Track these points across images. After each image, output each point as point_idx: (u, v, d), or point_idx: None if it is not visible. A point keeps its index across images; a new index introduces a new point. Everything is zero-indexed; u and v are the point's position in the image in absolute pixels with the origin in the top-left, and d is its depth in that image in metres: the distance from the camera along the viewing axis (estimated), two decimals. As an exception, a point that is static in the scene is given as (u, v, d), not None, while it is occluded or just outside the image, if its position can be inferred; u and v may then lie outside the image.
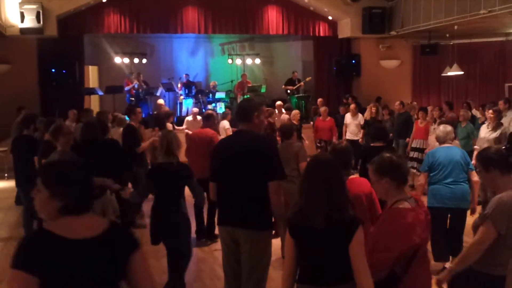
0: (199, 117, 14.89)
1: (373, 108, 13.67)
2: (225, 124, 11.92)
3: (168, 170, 5.91)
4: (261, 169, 4.51)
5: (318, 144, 14.01)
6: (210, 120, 8.66)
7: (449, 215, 6.74)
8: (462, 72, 17.13)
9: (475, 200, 6.71)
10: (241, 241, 4.60)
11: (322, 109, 14.50)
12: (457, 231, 6.77)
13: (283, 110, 15.39)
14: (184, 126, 14.24)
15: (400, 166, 3.70)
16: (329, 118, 14.23)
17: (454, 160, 6.55)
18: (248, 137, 4.71)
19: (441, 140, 6.81)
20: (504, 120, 11.59)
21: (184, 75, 19.18)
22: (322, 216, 3.26)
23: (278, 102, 15.24)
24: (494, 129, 9.63)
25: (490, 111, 10.07)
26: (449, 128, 6.89)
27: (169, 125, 13.71)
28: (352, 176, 4.83)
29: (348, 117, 14.46)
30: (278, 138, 12.82)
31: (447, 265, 6.73)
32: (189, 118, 14.70)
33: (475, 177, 6.58)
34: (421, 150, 11.70)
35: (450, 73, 17.30)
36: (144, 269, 2.72)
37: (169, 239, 6.01)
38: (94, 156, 7.07)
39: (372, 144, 7.43)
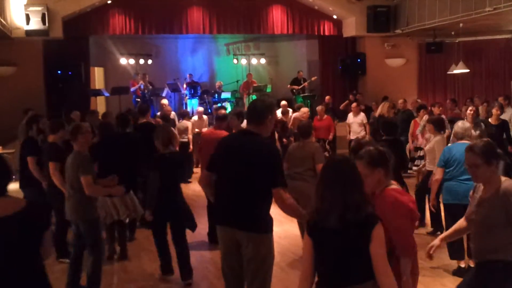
0: (205, 116, 14.96)
1: (385, 105, 13.77)
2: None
3: (171, 158, 6.68)
4: (263, 175, 4.44)
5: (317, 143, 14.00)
6: (224, 121, 8.64)
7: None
8: (468, 70, 17.08)
9: None
10: (243, 244, 4.55)
11: (319, 108, 14.49)
12: None
13: (288, 109, 15.45)
14: (190, 127, 14.31)
15: (388, 155, 3.83)
16: (326, 116, 14.23)
17: None
18: (255, 140, 4.62)
19: (459, 136, 6.75)
20: (504, 116, 11.68)
21: (188, 75, 19.21)
22: (336, 217, 3.26)
23: (283, 102, 15.26)
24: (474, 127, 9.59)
25: (470, 107, 10.28)
26: (467, 124, 6.89)
27: (187, 122, 13.86)
28: None
29: (350, 116, 14.47)
30: (284, 140, 12.99)
31: (462, 264, 6.73)
32: (195, 117, 14.76)
33: None
34: (421, 148, 11.71)
35: (455, 71, 17.24)
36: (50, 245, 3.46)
37: (175, 218, 6.69)
38: (111, 155, 7.62)
39: (383, 138, 7.49)
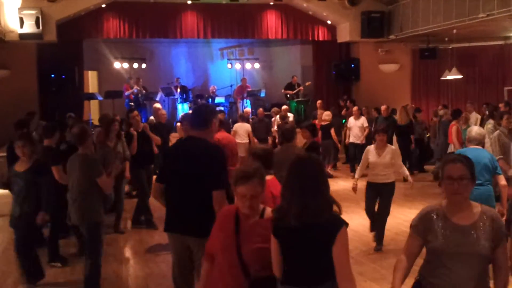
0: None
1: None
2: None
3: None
4: (206, 178, 4.47)
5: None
6: (225, 124, 8.71)
7: None
8: (461, 76, 17.16)
9: (504, 204, 6.63)
10: (194, 250, 4.56)
11: (319, 112, 14.65)
12: None
13: (289, 114, 15.54)
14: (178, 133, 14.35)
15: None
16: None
17: (482, 162, 6.44)
18: (198, 144, 4.67)
19: (475, 141, 6.66)
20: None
21: (175, 79, 19.15)
22: (294, 217, 3.25)
23: (284, 107, 15.48)
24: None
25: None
26: (483, 130, 6.90)
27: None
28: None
29: (351, 120, 14.48)
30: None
31: None
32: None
33: (502, 181, 6.54)
34: None
35: (449, 77, 17.32)
36: None
37: None
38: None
39: None
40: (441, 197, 3.59)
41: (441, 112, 14.66)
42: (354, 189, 8.02)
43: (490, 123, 10.71)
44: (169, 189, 4.76)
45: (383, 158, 7.94)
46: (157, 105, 15.01)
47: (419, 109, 15.88)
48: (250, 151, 5.37)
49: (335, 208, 3.35)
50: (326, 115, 14.25)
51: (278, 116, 15.00)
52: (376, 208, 8.22)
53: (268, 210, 3.59)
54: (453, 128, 12.05)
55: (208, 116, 4.78)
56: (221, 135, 8.14)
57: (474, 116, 13.89)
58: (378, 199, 8.14)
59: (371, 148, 8.16)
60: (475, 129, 6.83)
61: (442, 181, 3.48)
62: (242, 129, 13.62)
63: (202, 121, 4.76)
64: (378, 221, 8.17)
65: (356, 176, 8.27)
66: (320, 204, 3.26)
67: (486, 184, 6.48)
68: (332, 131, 13.99)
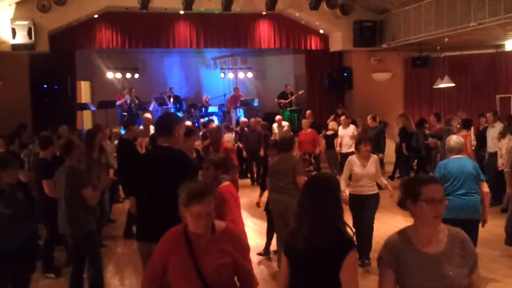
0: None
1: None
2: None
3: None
4: (173, 183, 4.47)
5: (303, 157, 14.05)
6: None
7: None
8: (454, 84, 17.21)
9: (487, 211, 6.68)
10: None
11: (303, 121, 14.64)
12: None
13: (283, 124, 15.61)
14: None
15: None
16: (310, 130, 14.33)
17: (466, 171, 6.51)
18: (165, 152, 4.76)
19: (454, 150, 6.70)
20: (493, 131, 11.79)
21: (168, 89, 19.16)
22: (303, 239, 3.22)
23: (278, 117, 15.60)
24: None
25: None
26: (461, 139, 6.86)
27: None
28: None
29: (340, 130, 14.51)
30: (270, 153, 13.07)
31: None
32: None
33: (485, 188, 6.60)
34: None
35: (441, 85, 17.38)
36: None
37: None
38: None
39: None
40: (406, 221, 3.30)
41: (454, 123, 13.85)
42: (345, 201, 7.48)
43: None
44: (139, 199, 4.81)
45: (368, 169, 7.59)
46: (147, 115, 15.03)
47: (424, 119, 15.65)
48: (207, 159, 5.48)
49: (348, 231, 3.29)
50: (332, 125, 14.80)
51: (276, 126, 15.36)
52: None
53: (218, 223, 3.51)
54: (467, 139, 11.13)
55: (171, 124, 4.86)
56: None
57: (498, 126, 12.23)
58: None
59: (353, 158, 7.73)
60: (453, 139, 6.85)
61: (414, 203, 3.16)
62: (228, 138, 13.74)
63: (166, 129, 4.84)
64: (365, 235, 7.61)
65: (343, 187, 7.46)
66: (330, 227, 3.21)
67: (473, 193, 6.53)
68: (336, 141, 14.20)
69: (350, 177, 7.78)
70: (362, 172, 7.58)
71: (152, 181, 4.66)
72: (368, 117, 14.56)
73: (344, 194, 7.55)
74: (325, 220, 3.21)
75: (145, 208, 4.72)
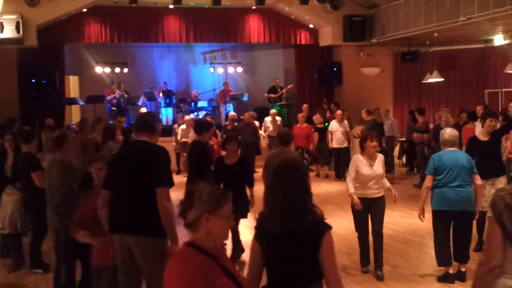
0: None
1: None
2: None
3: None
4: (150, 176, 4.58)
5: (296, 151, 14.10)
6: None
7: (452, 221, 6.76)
8: (443, 79, 17.28)
9: (479, 203, 6.76)
10: (134, 249, 4.60)
11: (299, 115, 14.63)
12: (465, 234, 6.80)
13: (277, 118, 15.62)
14: (179, 136, 14.38)
15: None
16: (305, 124, 14.29)
17: (460, 163, 6.59)
18: (142, 146, 4.82)
19: (449, 143, 6.77)
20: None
21: (162, 84, 19.13)
22: (276, 224, 3.22)
23: (273, 110, 15.65)
24: None
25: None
26: (456, 132, 6.90)
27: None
28: None
29: (334, 124, 14.44)
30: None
31: (451, 270, 6.75)
32: (183, 126, 14.72)
33: (478, 181, 6.68)
34: None
35: (430, 80, 17.44)
36: None
37: None
38: None
39: None
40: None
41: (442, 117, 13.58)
42: (358, 204, 6.82)
43: None
44: (113, 193, 4.81)
45: (377, 168, 6.89)
46: (143, 109, 14.98)
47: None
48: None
49: (318, 212, 3.31)
50: (316, 118, 14.82)
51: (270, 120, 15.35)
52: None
53: None
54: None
55: (156, 123, 5.00)
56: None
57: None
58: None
59: (359, 157, 6.97)
60: (447, 131, 6.90)
61: None
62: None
63: (151, 126, 4.91)
64: (375, 244, 7.05)
65: (351, 190, 6.84)
66: (301, 210, 3.24)
67: (466, 185, 6.61)
68: (328, 135, 14.49)
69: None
70: (370, 173, 6.86)
71: (125, 175, 4.70)
72: (363, 111, 14.57)
73: (355, 198, 6.85)
74: (297, 203, 3.23)
75: (118, 201, 4.71)
